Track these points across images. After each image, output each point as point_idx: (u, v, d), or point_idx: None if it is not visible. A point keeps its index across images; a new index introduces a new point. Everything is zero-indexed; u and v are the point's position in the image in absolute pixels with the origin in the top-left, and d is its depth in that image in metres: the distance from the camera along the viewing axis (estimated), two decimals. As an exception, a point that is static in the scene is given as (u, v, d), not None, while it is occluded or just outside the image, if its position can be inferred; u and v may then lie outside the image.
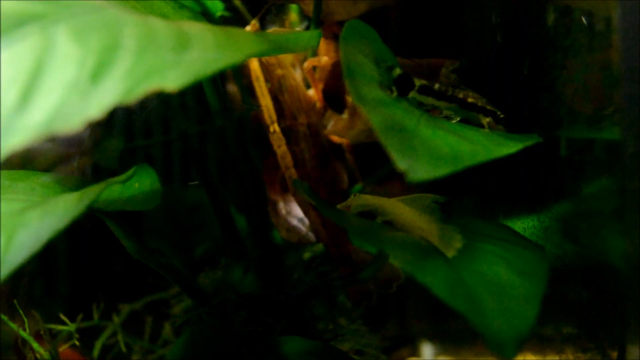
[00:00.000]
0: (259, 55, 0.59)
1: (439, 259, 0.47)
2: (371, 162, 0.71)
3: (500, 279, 0.47)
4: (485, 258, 0.49)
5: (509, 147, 0.48)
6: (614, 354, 0.50)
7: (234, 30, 0.43)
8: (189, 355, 0.55)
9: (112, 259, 0.85)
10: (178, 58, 0.37)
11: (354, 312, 0.76)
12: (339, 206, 0.54)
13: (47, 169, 0.82)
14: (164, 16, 0.52)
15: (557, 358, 0.59)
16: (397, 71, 0.51)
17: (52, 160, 0.83)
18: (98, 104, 0.34)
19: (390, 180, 0.73)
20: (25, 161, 0.81)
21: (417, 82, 0.52)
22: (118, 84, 0.35)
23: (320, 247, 0.73)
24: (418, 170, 0.39)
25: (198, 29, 0.41)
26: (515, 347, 0.41)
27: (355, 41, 0.51)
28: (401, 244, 0.47)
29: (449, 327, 0.87)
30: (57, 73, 0.35)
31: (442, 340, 0.90)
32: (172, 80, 0.35)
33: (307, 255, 0.75)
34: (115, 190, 0.52)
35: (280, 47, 0.50)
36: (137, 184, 0.54)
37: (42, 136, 0.32)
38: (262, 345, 0.58)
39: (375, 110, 0.43)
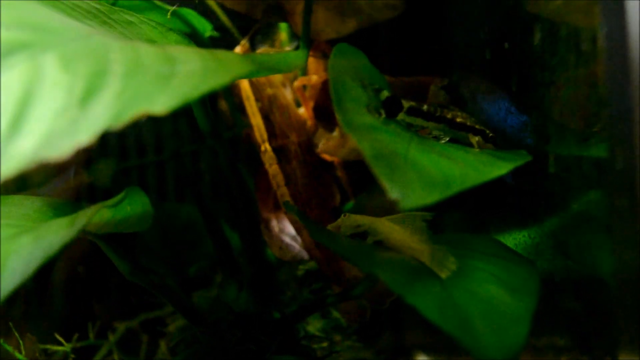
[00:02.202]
0: (247, 77, 0.59)
1: (430, 280, 0.47)
2: (363, 178, 0.71)
3: (491, 298, 0.47)
4: (476, 276, 0.49)
5: (499, 168, 0.48)
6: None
7: (221, 53, 0.44)
8: (184, 375, 0.55)
9: (107, 278, 0.85)
10: (165, 82, 0.37)
11: (349, 328, 0.76)
12: (329, 227, 0.54)
13: (42, 183, 0.82)
14: (151, 41, 0.52)
15: (551, 370, 0.59)
16: (385, 93, 0.51)
17: (48, 173, 0.83)
18: (87, 129, 0.34)
19: (382, 196, 0.73)
20: (21, 176, 0.81)
21: (406, 104, 0.53)
22: (107, 109, 0.35)
23: (313, 264, 0.73)
24: (410, 198, 0.39)
25: (184, 52, 0.41)
26: (507, 368, 0.41)
27: (344, 65, 0.51)
28: (391, 266, 0.47)
29: (443, 339, 0.87)
30: (46, 100, 0.35)
31: (437, 352, 0.90)
32: (160, 104, 0.35)
33: (300, 272, 0.75)
34: (107, 213, 0.52)
35: (267, 68, 0.51)
36: (129, 207, 0.54)
37: (33, 163, 0.33)
38: (256, 364, 0.58)
39: (364, 136, 0.43)
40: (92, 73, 0.37)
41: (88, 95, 0.35)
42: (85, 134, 0.34)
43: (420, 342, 0.94)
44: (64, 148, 0.33)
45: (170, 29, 0.57)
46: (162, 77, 0.38)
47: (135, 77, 0.37)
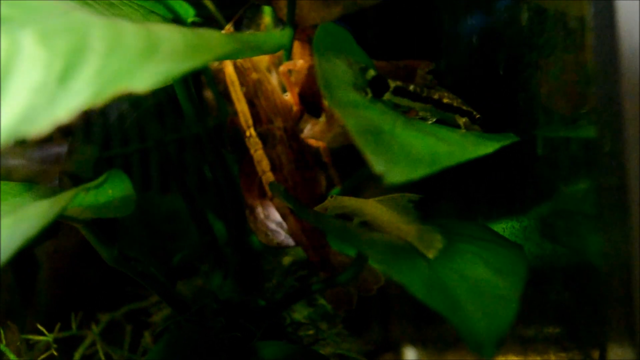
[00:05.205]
0: (230, 56, 0.58)
1: (417, 259, 0.47)
2: (349, 165, 0.71)
3: (479, 278, 0.47)
4: (464, 258, 0.49)
5: (486, 147, 0.48)
6: (596, 354, 0.50)
7: (204, 31, 0.43)
8: (166, 362, 0.54)
9: (90, 268, 0.84)
10: (147, 59, 0.37)
11: (336, 316, 0.75)
12: (316, 208, 0.54)
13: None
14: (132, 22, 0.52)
15: (539, 359, 0.58)
16: (371, 73, 0.51)
17: (28, 177, 0.82)
18: (66, 106, 0.33)
19: (368, 183, 0.73)
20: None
21: (392, 84, 0.52)
22: (86, 86, 0.34)
23: (299, 251, 0.72)
24: (395, 172, 0.38)
25: (167, 30, 0.41)
26: (495, 347, 0.40)
27: (329, 44, 0.50)
28: (379, 245, 0.47)
29: (432, 331, 0.87)
30: (23, 76, 0.34)
31: (425, 345, 0.90)
32: (142, 81, 0.35)
33: (286, 259, 0.75)
34: (88, 197, 0.52)
35: (251, 47, 0.50)
36: (110, 191, 0.53)
37: (11, 140, 0.32)
38: (241, 352, 0.57)
39: (350, 113, 0.43)
40: (72, 49, 0.36)
41: (67, 72, 0.35)
42: (64, 111, 0.33)
43: (408, 335, 0.94)
44: (42, 124, 0.32)
45: (153, 12, 0.57)
46: (144, 54, 0.37)
47: (116, 54, 0.37)
